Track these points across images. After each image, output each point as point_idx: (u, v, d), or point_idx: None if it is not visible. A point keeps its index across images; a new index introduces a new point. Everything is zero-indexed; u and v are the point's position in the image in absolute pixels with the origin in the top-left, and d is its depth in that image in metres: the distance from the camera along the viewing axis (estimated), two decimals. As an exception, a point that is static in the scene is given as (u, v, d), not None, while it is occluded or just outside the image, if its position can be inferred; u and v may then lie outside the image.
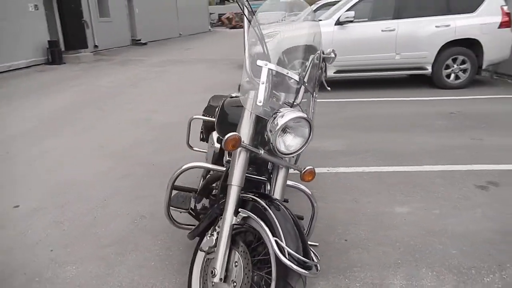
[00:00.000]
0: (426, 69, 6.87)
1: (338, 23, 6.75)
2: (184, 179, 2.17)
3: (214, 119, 2.86)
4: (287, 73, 1.80)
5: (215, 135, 2.30)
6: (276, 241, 1.47)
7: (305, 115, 1.71)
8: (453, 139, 4.29)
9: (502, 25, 6.68)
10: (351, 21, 6.67)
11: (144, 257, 2.35)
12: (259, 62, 1.77)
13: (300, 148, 1.76)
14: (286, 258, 1.43)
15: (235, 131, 1.93)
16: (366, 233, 2.53)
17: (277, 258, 1.47)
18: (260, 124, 1.79)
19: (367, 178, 3.39)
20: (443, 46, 6.72)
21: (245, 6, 1.84)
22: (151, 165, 3.79)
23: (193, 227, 2.18)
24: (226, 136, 1.62)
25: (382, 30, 6.73)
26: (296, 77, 1.80)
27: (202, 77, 9.16)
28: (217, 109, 2.11)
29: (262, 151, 1.75)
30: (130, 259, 2.33)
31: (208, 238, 1.71)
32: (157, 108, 6.17)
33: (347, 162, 3.74)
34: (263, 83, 1.75)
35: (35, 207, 2.99)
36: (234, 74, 9.59)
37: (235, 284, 1.58)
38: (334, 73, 6.94)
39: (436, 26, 6.65)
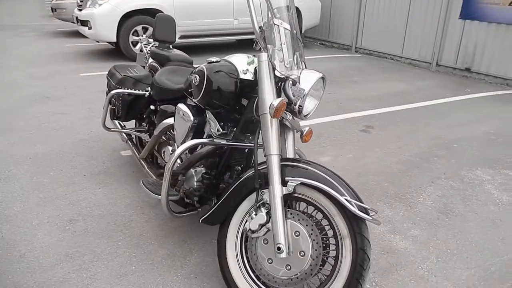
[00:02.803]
0: (260, 33, 7.40)
1: (178, -14, 6.49)
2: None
3: (141, 92, 2.50)
4: (295, 31, 1.75)
5: (184, 107, 2.01)
6: (346, 199, 1.48)
7: (323, 74, 1.72)
8: (315, 95, 4.89)
9: (313, -6, 7.77)
10: (191, -15, 6.52)
11: (117, 264, 1.93)
12: (276, 21, 1.66)
13: (315, 107, 1.78)
14: (362, 212, 1.47)
15: (223, 98, 1.78)
16: (315, 185, 2.74)
17: (347, 215, 1.49)
18: None
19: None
20: (272, 12, 7.36)
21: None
22: (27, 159, 2.97)
23: (192, 213, 1.95)
24: (276, 103, 1.50)
25: (220, -5, 6.84)
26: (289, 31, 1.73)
27: (12, 48, 7.37)
28: (195, 78, 1.84)
29: (290, 116, 1.69)
30: (100, 271, 1.88)
31: (255, 216, 1.56)
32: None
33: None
34: (284, 44, 1.66)
35: None
36: (50, 41, 8.08)
37: (303, 253, 1.53)
38: (179, 38, 6.73)
39: (265, -7, 7.18)
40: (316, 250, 1.53)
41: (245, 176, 1.66)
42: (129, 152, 3.01)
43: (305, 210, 1.66)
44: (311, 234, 1.54)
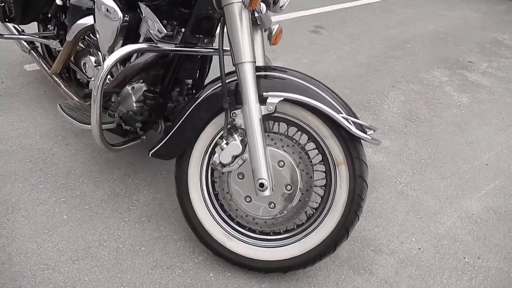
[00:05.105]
0: None
1: None
2: None
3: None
4: None
5: (110, 1, 1.43)
6: (343, 117, 1.16)
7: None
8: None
9: None
10: None
11: (42, 214, 1.49)
12: None
13: (292, -4, 1.35)
14: (361, 131, 1.17)
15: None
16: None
17: (343, 137, 1.19)
18: None
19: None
20: None
21: None
22: None
23: (136, 142, 1.53)
24: None
25: None
26: None
27: None
28: None
29: (264, 8, 1.24)
30: (19, 227, 1.43)
31: (226, 145, 1.19)
32: None
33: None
34: None
35: None
36: None
37: (290, 188, 1.22)
38: None
39: None
40: (306, 182, 1.23)
41: (207, 93, 1.24)
42: (36, 66, 2.36)
43: (286, 133, 1.32)
44: (299, 163, 1.22)
